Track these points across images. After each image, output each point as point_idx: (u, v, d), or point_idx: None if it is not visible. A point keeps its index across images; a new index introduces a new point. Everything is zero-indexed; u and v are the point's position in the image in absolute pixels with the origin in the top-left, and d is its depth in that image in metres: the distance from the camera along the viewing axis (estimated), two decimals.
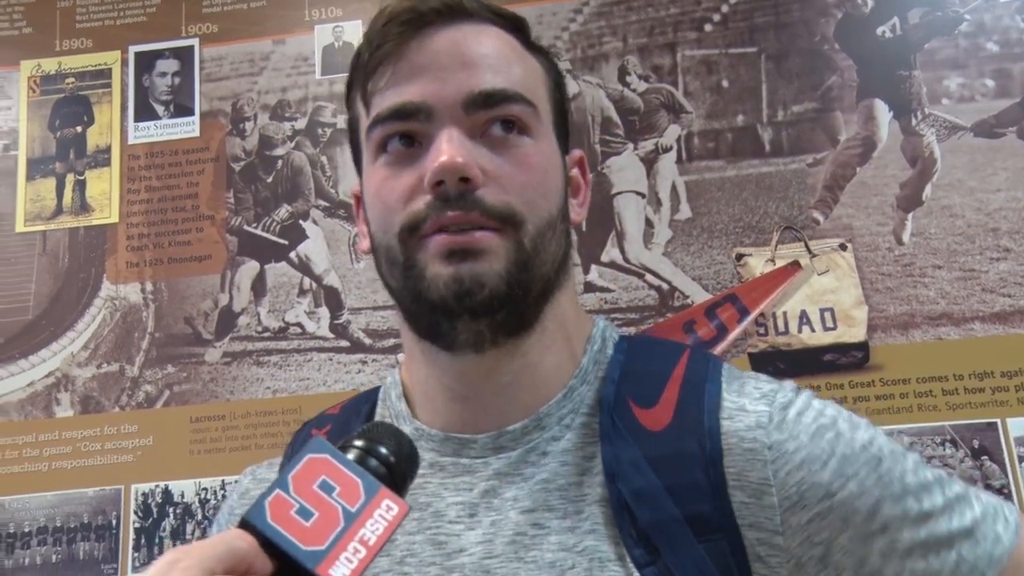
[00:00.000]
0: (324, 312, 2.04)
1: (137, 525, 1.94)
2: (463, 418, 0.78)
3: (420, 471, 0.74)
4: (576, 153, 0.84)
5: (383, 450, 0.59)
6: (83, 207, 2.14)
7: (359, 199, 0.83)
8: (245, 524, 0.53)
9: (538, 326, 0.76)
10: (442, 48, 0.74)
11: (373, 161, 0.76)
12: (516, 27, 0.80)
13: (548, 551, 0.72)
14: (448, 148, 0.70)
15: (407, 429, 0.80)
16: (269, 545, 0.53)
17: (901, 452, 0.75)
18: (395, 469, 0.59)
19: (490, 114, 0.73)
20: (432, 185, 0.71)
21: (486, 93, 0.73)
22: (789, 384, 0.77)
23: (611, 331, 0.83)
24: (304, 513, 0.54)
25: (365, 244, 0.81)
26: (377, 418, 0.84)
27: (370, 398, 0.87)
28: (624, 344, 0.82)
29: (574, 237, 0.84)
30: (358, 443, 0.59)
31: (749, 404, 0.74)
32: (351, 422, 0.84)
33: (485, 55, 0.75)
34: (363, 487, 0.56)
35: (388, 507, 0.56)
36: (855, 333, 1.82)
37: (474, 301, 0.71)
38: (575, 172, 0.84)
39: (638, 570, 0.69)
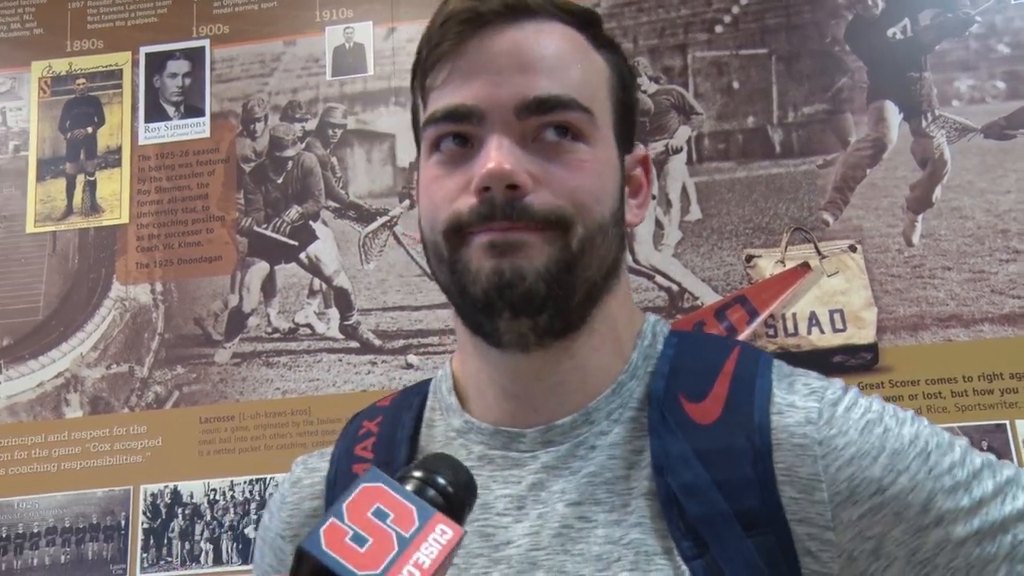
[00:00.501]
0: (334, 313, 2.06)
1: (146, 526, 1.96)
2: (513, 413, 0.79)
3: (469, 463, 0.75)
4: (640, 151, 0.83)
5: (441, 480, 0.60)
6: (93, 208, 2.16)
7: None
8: (301, 552, 0.54)
9: (585, 328, 0.77)
10: (500, 49, 0.74)
11: (427, 157, 0.77)
12: (585, 22, 0.79)
13: (594, 544, 0.73)
14: (496, 155, 0.71)
15: (457, 422, 0.82)
16: (325, 572, 0.54)
17: (948, 442, 0.75)
18: (453, 498, 0.60)
19: (543, 120, 0.73)
20: (479, 190, 0.72)
21: (540, 99, 0.72)
22: (838, 381, 0.77)
23: (661, 326, 0.84)
24: (358, 539, 0.55)
25: (419, 235, 0.82)
26: (427, 411, 0.85)
27: (421, 390, 0.87)
28: (674, 339, 0.82)
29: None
30: (416, 473, 0.60)
31: (799, 400, 0.74)
32: (401, 414, 0.85)
33: (543, 57, 0.74)
34: (417, 513, 0.57)
35: (442, 531, 0.57)
36: (864, 335, 1.83)
37: (514, 294, 0.71)
38: (637, 171, 0.83)
39: (685, 563, 0.70)
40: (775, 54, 2.02)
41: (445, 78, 0.75)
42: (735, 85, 2.02)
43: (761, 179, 1.97)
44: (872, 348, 1.82)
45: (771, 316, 1.85)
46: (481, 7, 0.74)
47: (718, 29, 2.04)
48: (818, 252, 1.89)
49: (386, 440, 0.83)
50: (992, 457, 0.76)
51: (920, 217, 1.89)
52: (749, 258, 1.93)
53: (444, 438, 0.82)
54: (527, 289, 0.71)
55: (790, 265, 1.90)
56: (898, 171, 1.92)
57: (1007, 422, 1.75)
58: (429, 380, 0.88)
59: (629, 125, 0.81)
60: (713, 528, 0.71)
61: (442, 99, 0.75)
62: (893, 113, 1.94)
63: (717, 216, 1.97)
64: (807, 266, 1.88)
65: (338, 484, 0.83)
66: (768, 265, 1.91)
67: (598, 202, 0.74)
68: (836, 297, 1.86)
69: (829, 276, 1.88)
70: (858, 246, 1.89)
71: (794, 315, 1.86)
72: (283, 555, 0.85)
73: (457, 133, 0.74)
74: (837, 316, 1.85)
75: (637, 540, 0.72)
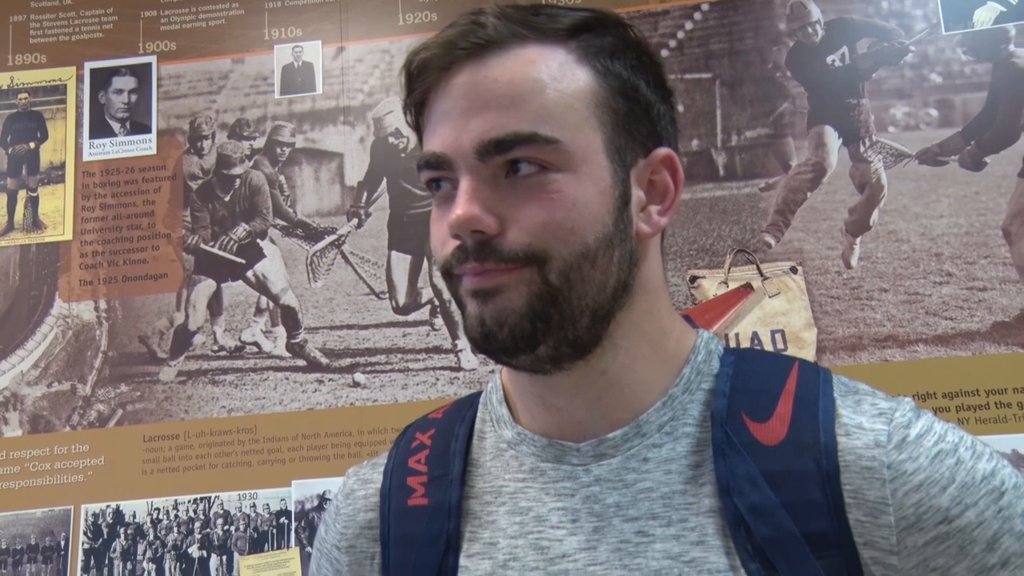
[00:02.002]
0: (281, 331, 2.08)
1: (87, 546, 1.96)
2: (560, 426, 0.80)
3: (521, 475, 0.80)
4: (659, 153, 0.79)
5: None
6: (35, 224, 2.16)
7: None
8: None
9: (606, 344, 0.77)
10: (460, 92, 0.74)
11: (432, 196, 0.79)
12: (570, 34, 0.77)
13: (653, 559, 0.74)
14: (460, 203, 0.72)
15: (509, 433, 0.83)
16: None
17: None
18: None
19: (505, 157, 0.73)
20: (452, 236, 0.74)
21: (496, 141, 0.72)
22: (907, 402, 0.77)
23: (716, 343, 0.84)
24: None
25: None
26: (478, 423, 0.86)
27: (473, 402, 0.89)
28: (731, 357, 0.82)
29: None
30: None
31: (867, 422, 0.74)
32: (454, 427, 0.86)
33: (501, 94, 0.73)
34: None
35: None
36: (805, 355, 1.88)
37: (497, 341, 0.73)
38: (660, 175, 0.80)
39: None
40: (719, 79, 2.08)
41: (426, 123, 0.78)
42: (680, 108, 2.07)
43: (705, 201, 2.03)
44: None
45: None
46: (445, 54, 0.75)
47: (664, 53, 2.10)
48: (760, 273, 1.95)
49: (439, 453, 0.85)
50: None
51: (858, 240, 1.96)
52: (693, 279, 1.98)
53: (495, 450, 0.83)
54: (508, 334, 0.73)
55: (733, 286, 1.95)
56: (837, 195, 1.98)
57: None
58: (479, 393, 0.90)
59: (640, 130, 0.78)
60: (782, 550, 0.71)
61: (426, 144, 0.77)
62: (832, 138, 2.01)
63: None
64: (749, 287, 1.94)
65: (393, 496, 0.85)
66: (712, 286, 1.96)
67: (574, 232, 0.73)
68: (777, 318, 1.92)
69: (771, 297, 1.93)
70: (799, 268, 1.95)
71: (737, 335, 1.92)
72: (339, 566, 0.87)
73: (440, 177, 0.76)
74: (779, 336, 1.91)
75: (699, 558, 0.73)
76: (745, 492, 0.73)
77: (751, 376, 0.79)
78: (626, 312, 0.78)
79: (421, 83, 0.77)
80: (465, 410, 0.88)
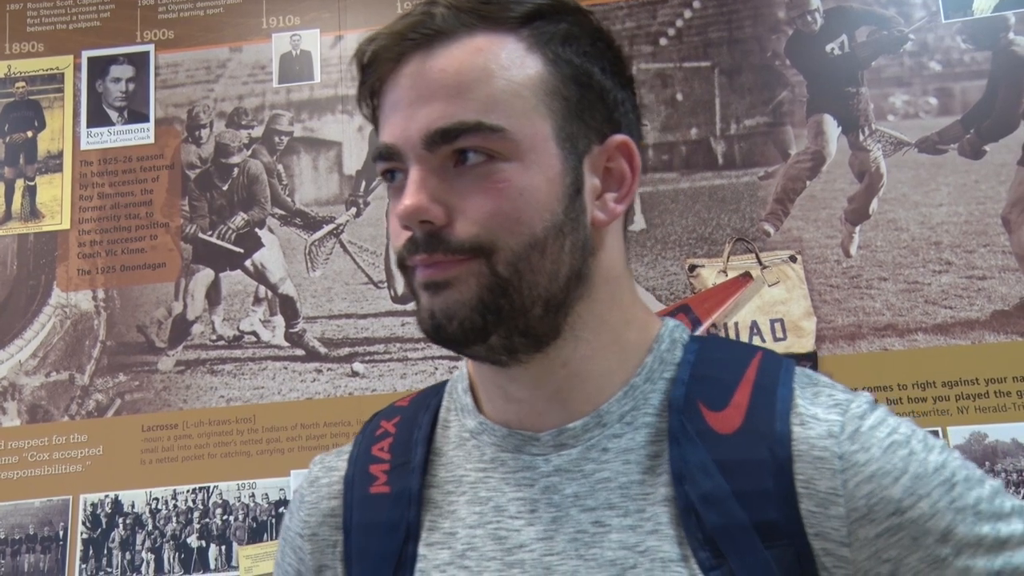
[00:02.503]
0: (279, 321, 2.09)
1: (85, 536, 1.97)
2: (521, 416, 0.80)
3: (482, 465, 0.80)
4: (615, 139, 0.78)
5: None
6: (33, 213, 2.17)
7: None
8: None
9: (566, 335, 0.77)
10: (407, 83, 0.75)
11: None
12: (522, 21, 0.76)
13: (609, 549, 0.74)
14: (408, 193, 0.73)
15: (472, 422, 0.83)
16: None
17: (978, 478, 0.75)
18: None
19: (452, 147, 0.73)
20: (402, 227, 0.75)
21: (441, 130, 0.72)
22: (864, 395, 0.77)
23: (681, 331, 0.84)
24: None
25: None
26: (443, 411, 0.87)
27: (438, 391, 0.89)
28: (695, 345, 0.82)
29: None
30: None
31: (822, 412, 0.75)
32: (419, 415, 0.87)
33: (447, 84, 0.73)
34: None
35: None
36: (804, 343, 1.90)
37: (448, 334, 0.74)
38: (615, 163, 0.79)
39: (703, 573, 0.71)
40: (718, 67, 2.09)
41: (379, 115, 0.78)
42: (679, 97, 2.09)
43: (704, 190, 2.04)
44: (812, 357, 1.89)
45: (713, 325, 1.91)
46: (393, 44, 0.75)
47: (663, 42, 2.11)
48: (759, 262, 1.96)
49: (403, 441, 0.85)
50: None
51: (857, 229, 1.97)
52: (692, 268, 1.99)
53: (458, 439, 0.84)
54: (458, 327, 0.73)
55: (732, 275, 1.96)
56: (836, 183, 2.00)
57: (939, 429, 1.83)
58: (447, 381, 0.90)
59: (594, 117, 0.77)
60: (732, 540, 0.71)
61: (379, 136, 0.78)
62: (832, 126, 2.02)
63: (661, 226, 2.03)
64: (749, 276, 1.95)
65: (356, 484, 0.85)
66: (711, 275, 1.97)
67: (520, 222, 0.73)
68: (777, 307, 1.93)
69: (770, 286, 1.94)
70: (798, 256, 1.96)
71: (736, 324, 1.93)
72: (303, 554, 0.87)
73: (394, 168, 0.76)
74: (778, 325, 1.92)
75: (653, 547, 0.73)
76: (697, 480, 0.73)
77: (711, 364, 0.79)
78: (586, 303, 0.78)
79: (372, 74, 0.77)
80: (431, 398, 0.88)
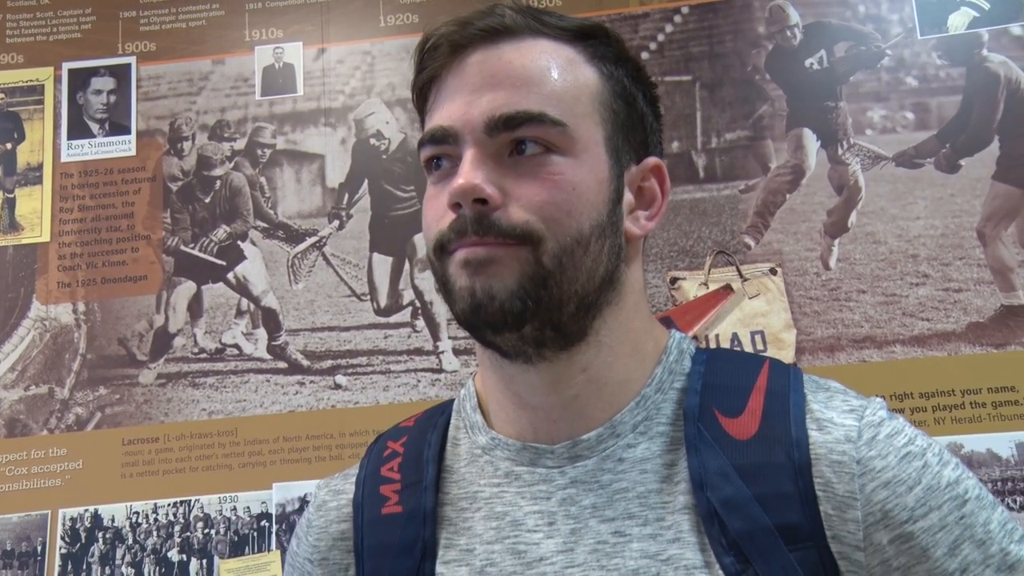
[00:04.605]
0: (262, 333, 2.11)
1: (64, 551, 1.97)
2: (535, 427, 0.82)
3: (496, 480, 0.82)
4: (650, 161, 0.84)
5: None
6: (12, 225, 2.18)
7: None
8: None
9: (591, 340, 0.80)
10: (473, 71, 0.78)
11: (428, 177, 0.82)
12: (578, 36, 0.82)
13: (631, 559, 0.75)
14: (464, 171, 0.75)
15: (483, 439, 0.85)
16: None
17: (991, 501, 0.77)
18: None
19: (513, 135, 0.76)
20: (451, 207, 0.76)
21: (506, 116, 0.76)
22: (879, 402, 0.80)
23: (688, 343, 0.86)
24: None
25: None
26: (452, 429, 0.88)
27: (445, 410, 0.90)
28: (703, 356, 0.85)
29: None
30: None
31: (838, 417, 0.77)
32: (427, 434, 0.88)
33: (514, 75, 0.77)
34: None
35: None
36: (784, 356, 1.93)
37: (487, 313, 0.75)
38: (649, 183, 0.84)
39: None
40: (699, 81, 2.13)
41: (432, 103, 0.81)
42: (660, 110, 2.12)
43: (685, 203, 2.08)
44: None
45: (695, 337, 1.94)
46: (461, 32, 0.79)
47: (644, 56, 2.15)
48: (740, 275, 1.99)
49: (413, 460, 0.86)
50: None
51: (836, 241, 2.01)
52: (673, 280, 2.02)
53: (469, 456, 0.85)
54: (498, 308, 0.74)
55: (713, 287, 1.99)
56: (816, 197, 2.04)
57: None
58: (452, 400, 0.91)
59: (635, 137, 0.83)
60: (756, 544, 0.73)
61: (430, 122, 0.80)
62: (811, 140, 2.06)
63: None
64: (729, 288, 1.98)
65: (366, 506, 0.85)
66: (692, 287, 2.01)
67: (570, 216, 0.76)
68: (757, 319, 1.97)
69: (750, 298, 1.97)
70: (778, 269, 1.99)
71: (717, 336, 1.96)
72: None
73: (441, 154, 0.79)
74: (758, 337, 1.95)
75: (676, 555, 0.75)
76: (718, 486, 0.75)
77: (723, 373, 0.82)
78: (613, 309, 0.80)
79: (434, 59, 0.80)
80: (437, 417, 0.90)
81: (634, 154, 0.83)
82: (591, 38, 0.83)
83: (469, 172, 0.75)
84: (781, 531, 0.74)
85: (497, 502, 0.81)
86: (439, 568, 0.80)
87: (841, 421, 0.77)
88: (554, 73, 0.79)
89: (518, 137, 0.76)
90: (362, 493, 0.86)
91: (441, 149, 0.79)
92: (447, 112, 0.78)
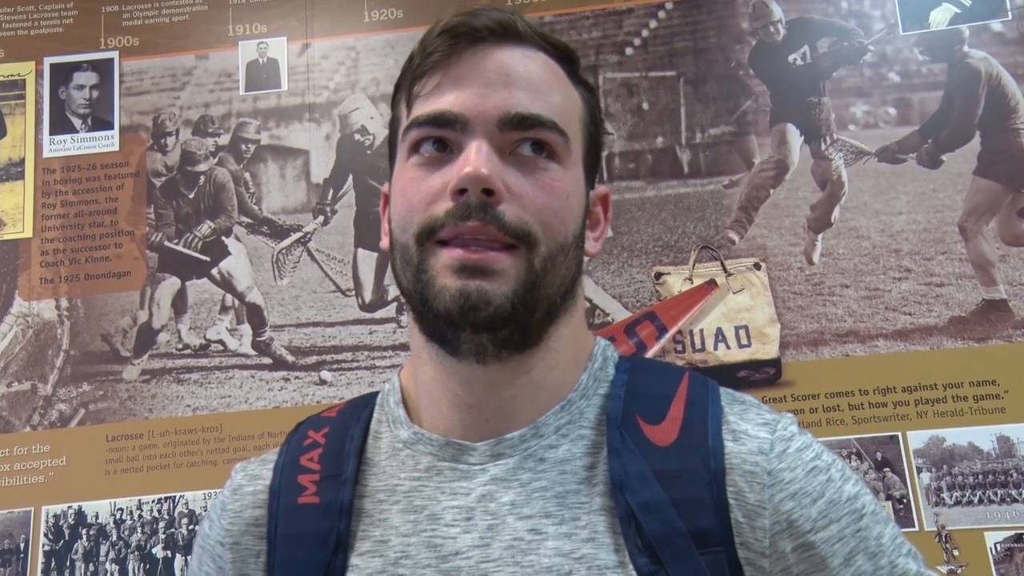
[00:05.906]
0: (246, 329, 2.12)
1: (47, 548, 1.98)
2: (465, 424, 0.83)
3: (416, 474, 0.83)
4: (601, 189, 0.90)
5: None
6: None
7: (387, 197, 0.88)
8: None
9: (543, 345, 0.82)
10: (489, 65, 0.80)
11: (405, 160, 0.82)
12: (565, 57, 0.86)
13: (545, 556, 0.77)
14: (476, 159, 0.77)
15: (405, 433, 0.86)
16: None
17: (884, 517, 0.82)
18: None
19: (523, 135, 0.79)
20: (455, 192, 0.77)
21: (521, 116, 0.79)
22: (789, 416, 0.84)
23: (611, 351, 0.90)
24: None
25: (385, 241, 0.87)
26: (374, 423, 0.89)
27: (368, 402, 0.91)
28: (626, 364, 0.88)
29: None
30: None
31: (752, 429, 0.81)
32: (349, 426, 0.89)
33: (528, 79, 0.81)
34: None
35: None
36: (768, 350, 1.96)
37: (478, 317, 0.76)
38: (597, 208, 0.90)
39: None
40: (683, 77, 2.15)
41: (435, 86, 0.81)
42: (645, 106, 2.15)
43: (670, 198, 2.10)
44: (775, 363, 1.95)
45: (679, 332, 1.97)
46: (475, 23, 0.81)
47: (628, 51, 2.17)
48: (724, 270, 2.01)
49: (333, 452, 0.87)
50: (919, 552, 0.84)
51: (820, 236, 2.03)
52: (658, 275, 2.04)
53: (391, 449, 0.86)
54: (492, 312, 0.76)
55: (697, 282, 2.01)
56: (799, 192, 2.06)
57: (899, 434, 1.89)
58: (376, 393, 0.93)
59: (594, 161, 0.89)
60: (670, 546, 0.76)
61: (428, 105, 0.81)
62: (794, 136, 2.08)
63: (627, 234, 2.09)
64: (714, 283, 2.00)
65: (282, 493, 0.86)
66: (676, 282, 2.03)
67: (562, 223, 0.80)
68: (741, 314, 1.99)
69: (735, 293, 2.00)
70: (762, 264, 2.02)
71: (701, 331, 1.98)
72: (223, 562, 0.88)
73: (439, 138, 0.80)
74: (742, 332, 1.97)
75: (589, 555, 0.77)
76: (637, 489, 0.78)
77: (645, 382, 0.86)
78: (565, 317, 0.84)
79: (441, 43, 0.81)
80: (360, 410, 0.90)
81: (591, 180, 0.88)
82: (572, 61, 0.87)
83: (483, 162, 0.77)
84: (694, 535, 0.77)
85: (416, 496, 0.82)
86: (354, 559, 0.82)
87: (755, 433, 0.81)
88: (558, 87, 0.83)
89: (528, 138, 0.79)
90: (279, 480, 0.87)
91: (441, 132, 0.80)
92: (455, 99, 0.79)
